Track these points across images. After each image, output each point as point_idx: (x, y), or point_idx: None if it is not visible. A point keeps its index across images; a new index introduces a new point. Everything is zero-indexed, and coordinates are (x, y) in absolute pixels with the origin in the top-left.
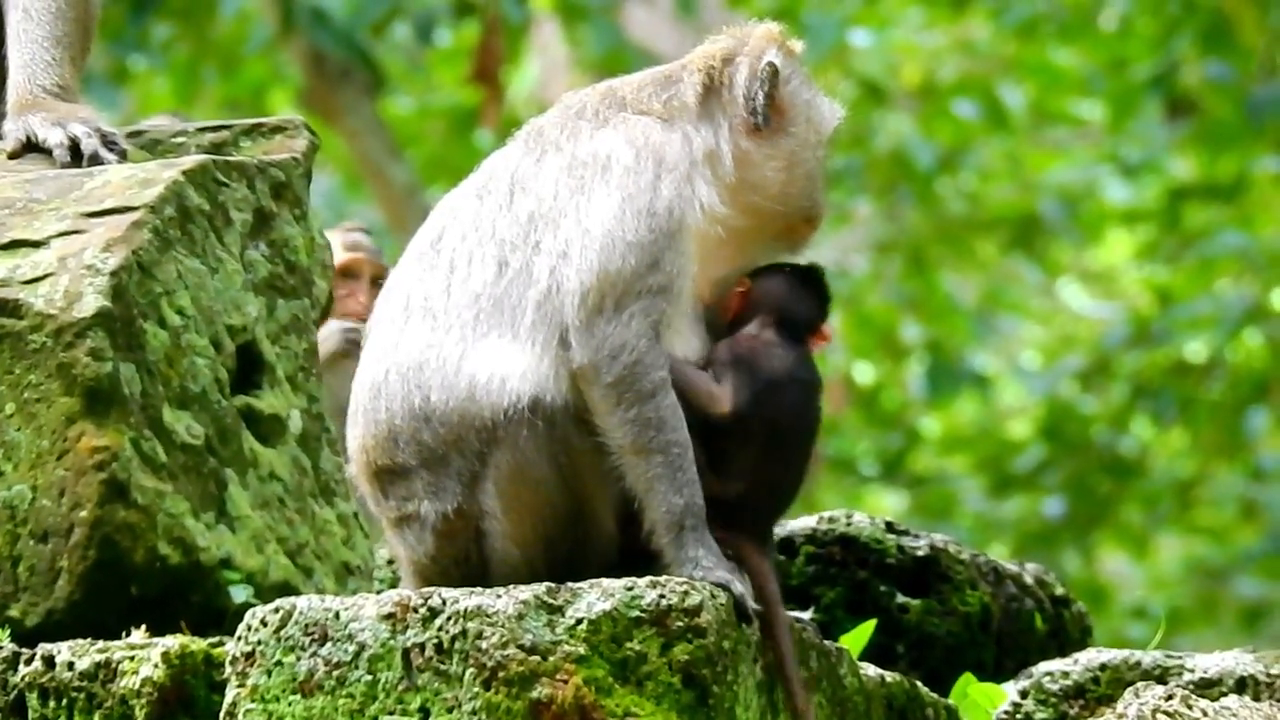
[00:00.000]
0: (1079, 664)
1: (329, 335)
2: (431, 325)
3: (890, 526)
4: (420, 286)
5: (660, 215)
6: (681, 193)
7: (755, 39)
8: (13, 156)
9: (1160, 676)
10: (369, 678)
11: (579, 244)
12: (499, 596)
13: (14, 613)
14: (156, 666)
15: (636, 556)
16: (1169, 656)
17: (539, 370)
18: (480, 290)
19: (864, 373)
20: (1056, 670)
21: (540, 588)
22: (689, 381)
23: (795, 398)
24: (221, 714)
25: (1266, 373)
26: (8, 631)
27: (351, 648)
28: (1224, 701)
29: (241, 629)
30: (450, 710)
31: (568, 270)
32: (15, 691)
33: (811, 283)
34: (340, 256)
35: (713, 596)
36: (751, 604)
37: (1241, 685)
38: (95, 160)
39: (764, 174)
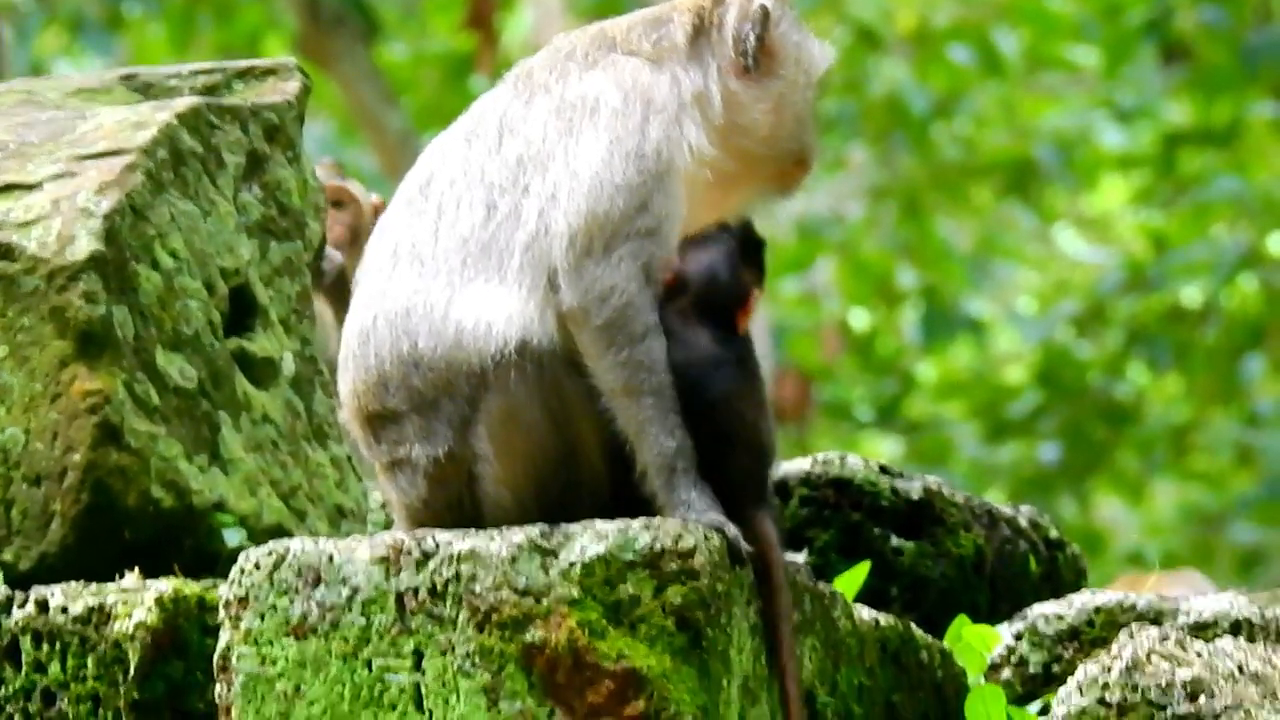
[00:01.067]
0: (1074, 607)
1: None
2: (419, 271)
3: (884, 469)
4: (408, 232)
5: (649, 158)
6: (670, 135)
7: None
8: None
9: (1155, 619)
10: (362, 621)
11: (567, 186)
12: (492, 539)
13: (7, 556)
14: (150, 610)
15: (629, 500)
16: (1163, 599)
17: (526, 313)
18: (468, 234)
19: (859, 319)
20: (1051, 613)
21: (534, 530)
22: None
23: (704, 378)
24: (215, 657)
25: (1262, 318)
26: (1, 575)
27: (345, 591)
28: (1219, 643)
29: (234, 572)
30: (443, 653)
31: (556, 213)
32: (9, 636)
33: (742, 254)
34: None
35: (706, 539)
36: (745, 546)
37: (1236, 628)
38: None
39: (752, 116)
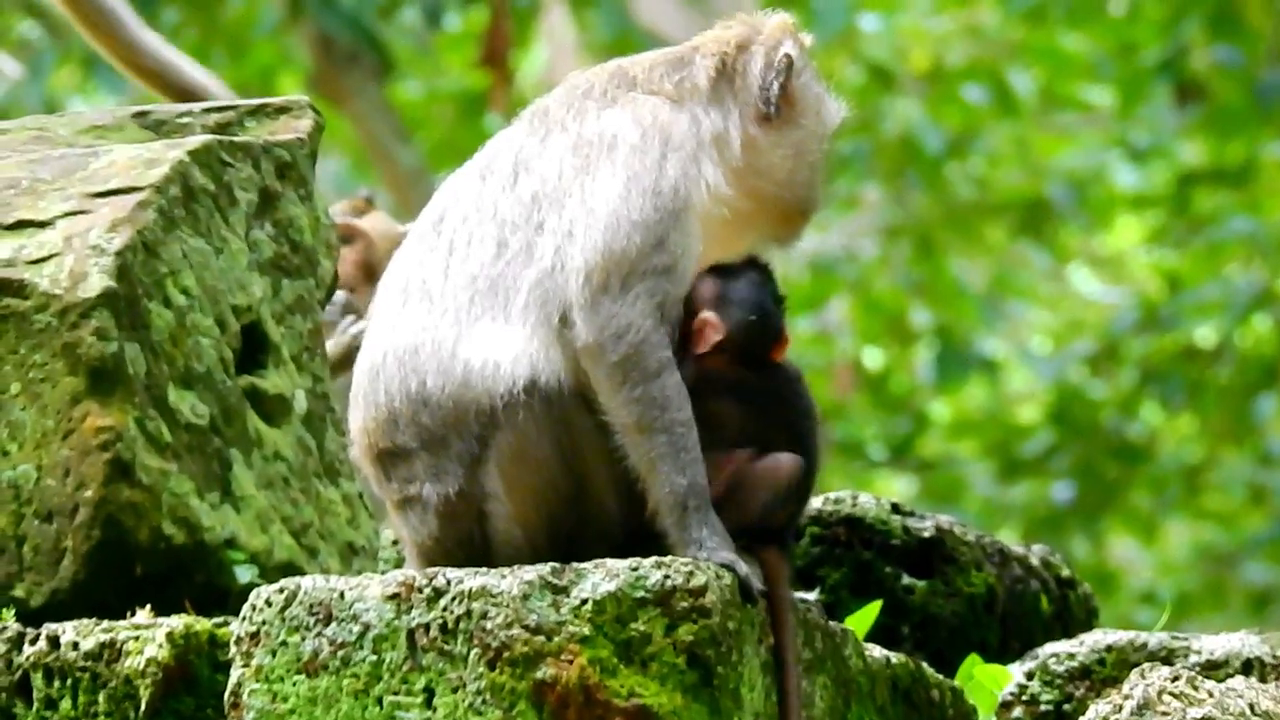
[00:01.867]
0: (1085, 645)
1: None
2: (428, 308)
3: (896, 508)
4: (420, 269)
5: (665, 195)
6: (688, 172)
7: (771, 28)
8: None
9: (1166, 658)
10: (374, 658)
11: (584, 223)
12: (504, 577)
13: (19, 592)
14: (161, 646)
15: (641, 537)
16: (1175, 638)
17: (533, 350)
18: (477, 272)
19: (872, 357)
20: (1062, 652)
21: (545, 568)
22: None
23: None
24: (226, 694)
25: (1275, 358)
26: (13, 611)
27: (356, 628)
28: (1230, 683)
29: (246, 609)
30: (455, 690)
31: (572, 249)
32: (20, 671)
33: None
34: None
35: (718, 577)
36: (757, 584)
37: (1248, 667)
38: None
39: (770, 161)
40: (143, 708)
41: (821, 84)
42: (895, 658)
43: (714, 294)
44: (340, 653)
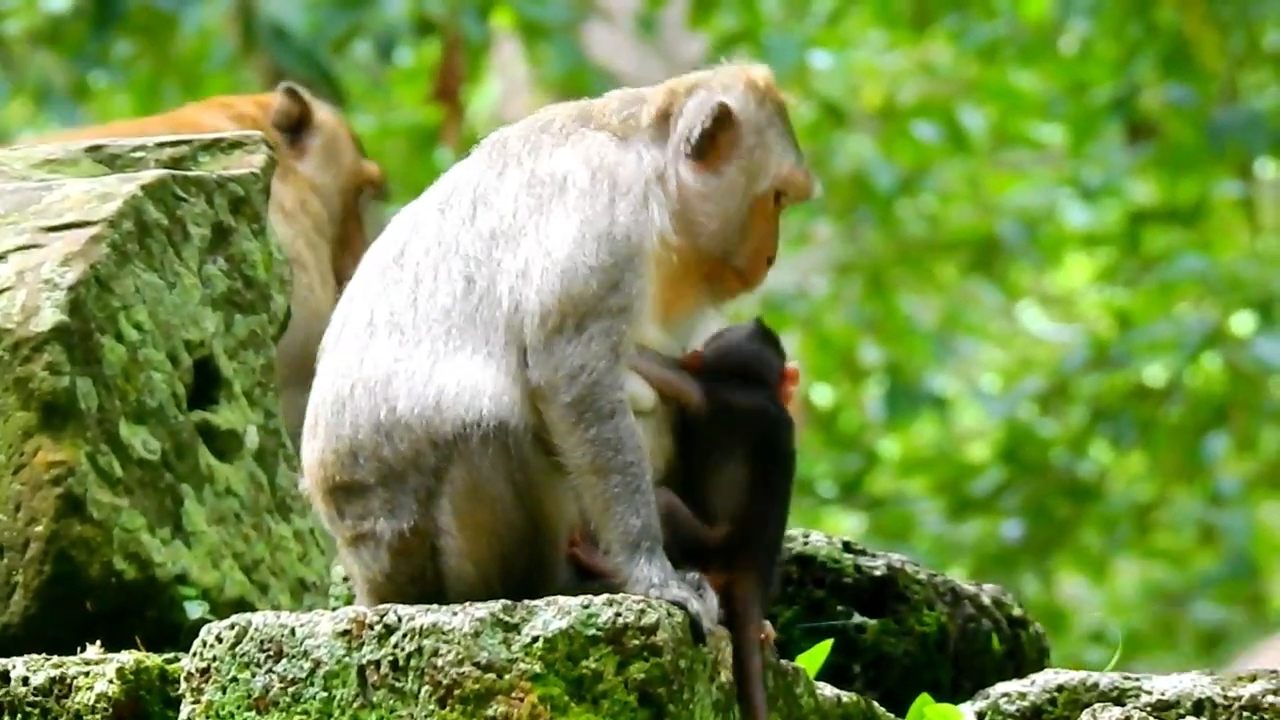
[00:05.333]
0: (1036, 685)
1: None
2: (400, 340)
3: (848, 546)
4: (384, 301)
5: (619, 240)
6: (638, 218)
7: (726, 75)
8: None
9: (1118, 698)
10: (324, 694)
11: (539, 265)
12: (455, 614)
13: None
14: (111, 682)
15: (593, 576)
16: (1126, 678)
17: (497, 387)
18: (450, 305)
19: (823, 394)
20: (1014, 691)
21: (496, 605)
22: (660, 375)
23: (768, 430)
24: None
25: (1225, 397)
26: None
27: (307, 664)
28: None
29: (197, 645)
30: None
31: (528, 290)
32: None
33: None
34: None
35: (669, 615)
36: (708, 624)
37: (1199, 708)
38: None
39: (699, 206)
40: None
41: (773, 144)
42: (847, 697)
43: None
44: (291, 689)
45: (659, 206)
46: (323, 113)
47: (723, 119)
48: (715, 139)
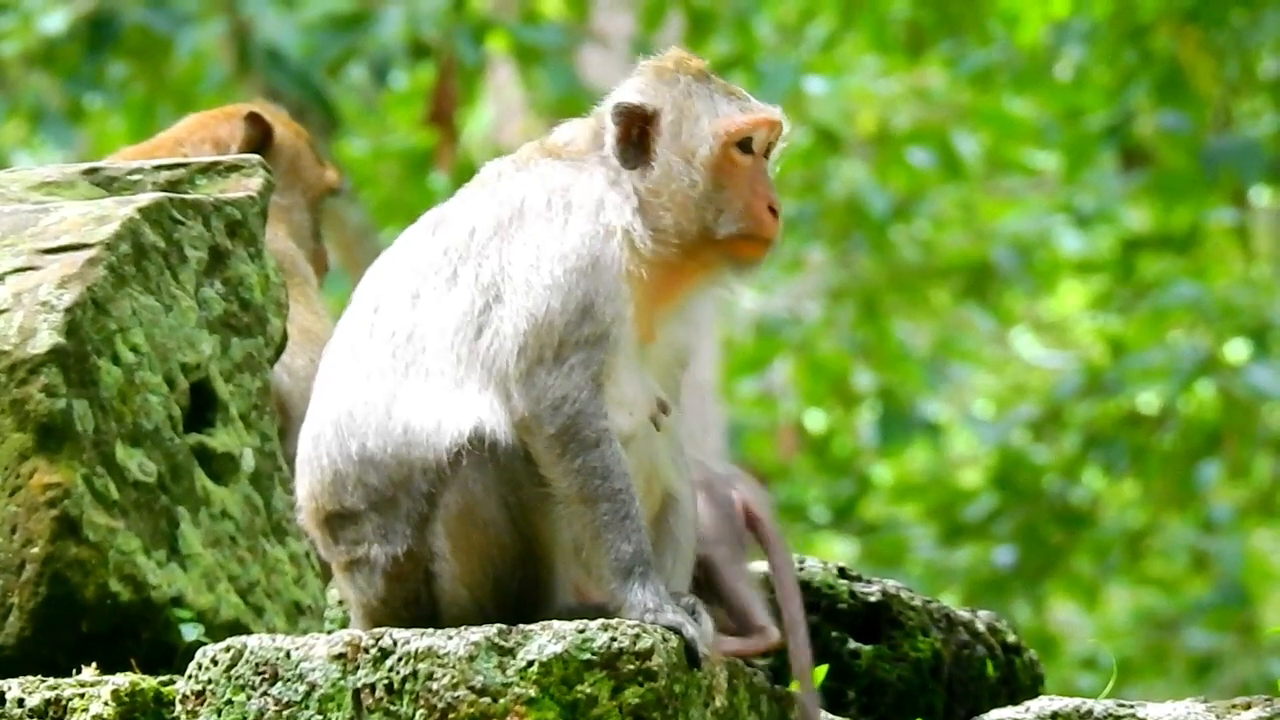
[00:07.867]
0: (1030, 712)
1: None
2: (358, 370)
3: (843, 572)
4: (351, 332)
5: (570, 257)
6: (594, 230)
7: (634, 73)
8: None
9: None
10: (319, 718)
11: (509, 289)
12: (450, 638)
13: None
14: (106, 704)
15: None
16: (1120, 705)
17: (481, 410)
18: (436, 335)
19: (816, 420)
20: (1008, 717)
21: (491, 629)
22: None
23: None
24: None
25: (1218, 424)
26: None
27: (302, 687)
28: None
29: (192, 667)
30: None
31: (503, 312)
32: None
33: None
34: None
35: (664, 640)
36: (703, 648)
37: None
38: None
39: (655, 203)
40: None
41: (710, 107)
42: None
43: None
44: (286, 712)
45: (619, 223)
46: (280, 131)
47: (626, 116)
48: (634, 137)
